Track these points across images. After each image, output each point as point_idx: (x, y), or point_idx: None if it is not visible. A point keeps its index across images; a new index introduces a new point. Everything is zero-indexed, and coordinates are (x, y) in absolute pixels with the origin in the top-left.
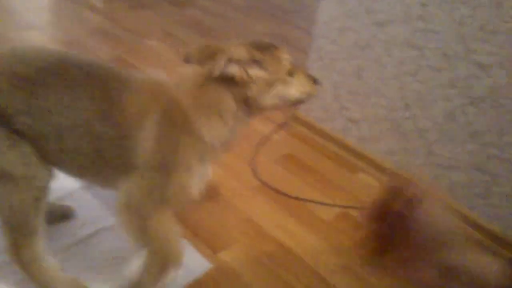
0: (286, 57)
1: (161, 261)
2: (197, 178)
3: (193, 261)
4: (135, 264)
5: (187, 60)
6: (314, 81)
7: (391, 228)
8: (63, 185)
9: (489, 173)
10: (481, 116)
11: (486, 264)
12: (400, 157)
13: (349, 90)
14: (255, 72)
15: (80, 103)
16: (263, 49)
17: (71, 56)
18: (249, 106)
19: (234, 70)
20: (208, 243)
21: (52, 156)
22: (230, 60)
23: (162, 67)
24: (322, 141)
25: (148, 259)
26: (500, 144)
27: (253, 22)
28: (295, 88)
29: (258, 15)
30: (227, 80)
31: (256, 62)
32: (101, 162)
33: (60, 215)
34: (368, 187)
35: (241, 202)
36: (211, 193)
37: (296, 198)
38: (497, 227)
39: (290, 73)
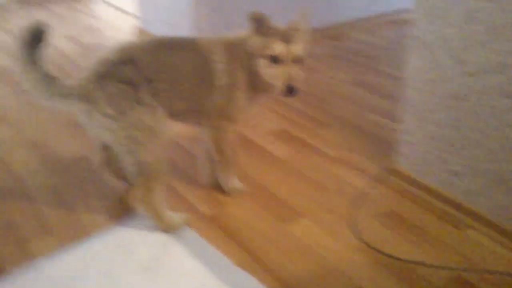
0: (275, 47)
1: (226, 160)
2: (252, 102)
3: None
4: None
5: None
6: (290, 88)
7: None
8: None
9: None
10: None
11: None
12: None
13: (447, 141)
14: (256, 39)
15: (184, 59)
16: (272, 32)
17: (168, 37)
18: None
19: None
20: None
21: (175, 106)
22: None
23: None
24: (424, 195)
25: (223, 163)
26: None
27: (335, 71)
28: (266, 71)
29: (340, 63)
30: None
31: (263, 35)
32: (201, 92)
33: None
34: (480, 246)
35: (342, 264)
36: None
37: (405, 261)
38: None
39: (274, 60)
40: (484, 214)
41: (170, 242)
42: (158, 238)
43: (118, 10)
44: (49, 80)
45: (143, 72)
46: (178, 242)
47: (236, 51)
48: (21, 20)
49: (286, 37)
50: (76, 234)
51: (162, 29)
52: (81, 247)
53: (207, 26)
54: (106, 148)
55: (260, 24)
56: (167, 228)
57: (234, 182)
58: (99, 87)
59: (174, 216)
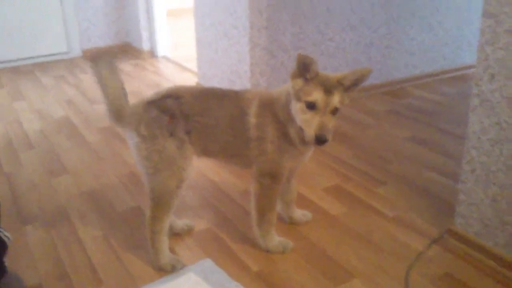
0: (315, 94)
1: (266, 220)
2: (285, 153)
3: None
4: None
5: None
6: (320, 136)
7: None
8: None
9: None
10: None
11: None
12: None
13: (510, 203)
14: (297, 83)
15: (222, 108)
16: (317, 79)
17: (216, 87)
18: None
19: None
20: None
21: (208, 147)
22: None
23: None
24: (484, 259)
25: (258, 219)
26: None
27: (394, 127)
28: (301, 116)
29: (398, 119)
30: None
31: (305, 79)
32: (235, 141)
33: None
34: None
35: None
36: None
37: None
38: None
39: (310, 106)
40: None
41: None
42: None
43: (179, 66)
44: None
45: (182, 108)
46: None
47: (270, 105)
48: (88, 76)
49: (328, 87)
50: (125, 285)
51: (221, 85)
52: None
53: (264, 83)
54: None
55: (306, 67)
56: (158, 266)
57: (272, 242)
58: (144, 110)
59: (170, 258)
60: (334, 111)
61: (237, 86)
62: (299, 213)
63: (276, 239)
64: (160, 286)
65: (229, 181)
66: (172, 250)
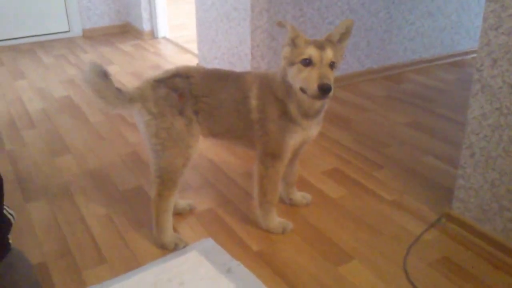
0: (308, 51)
1: (268, 200)
2: (287, 131)
3: None
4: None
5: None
6: (323, 86)
7: None
8: None
9: None
10: None
11: None
12: None
13: (509, 189)
14: (286, 50)
15: (227, 91)
16: (306, 41)
17: (223, 69)
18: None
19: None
20: None
21: (213, 127)
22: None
23: None
24: (481, 243)
25: (259, 199)
26: None
27: (392, 112)
28: (298, 77)
29: (397, 105)
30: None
31: (291, 45)
32: (239, 123)
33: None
34: None
35: None
36: None
37: None
38: None
39: (306, 63)
40: None
41: (220, 276)
42: (208, 272)
43: (179, 47)
44: (118, 92)
45: (191, 88)
46: (228, 277)
47: (268, 85)
48: (89, 56)
49: (319, 44)
50: (128, 264)
51: (221, 67)
52: (132, 277)
53: (265, 66)
54: None
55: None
56: (161, 244)
57: (273, 222)
58: (152, 88)
59: (173, 236)
60: (331, 65)
61: (237, 69)
62: (299, 195)
63: (276, 220)
64: (162, 264)
65: (230, 163)
66: (174, 229)
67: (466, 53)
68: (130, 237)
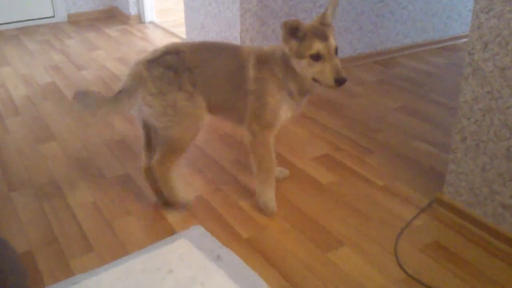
0: (316, 46)
1: (264, 169)
2: (283, 105)
3: None
4: None
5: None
6: (340, 79)
7: None
8: None
9: None
10: None
11: None
12: None
13: (499, 173)
14: (294, 43)
15: (223, 60)
16: (309, 33)
17: (215, 41)
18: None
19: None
20: None
21: (211, 97)
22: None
23: None
24: (472, 228)
25: (257, 170)
26: None
27: (384, 97)
28: (311, 70)
29: (388, 89)
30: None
31: (298, 39)
32: (233, 92)
33: None
34: None
35: None
36: None
37: None
38: None
39: (316, 58)
40: None
41: (209, 263)
42: (197, 259)
43: (166, 32)
44: (116, 97)
45: (184, 62)
46: (217, 264)
47: (266, 60)
48: (74, 41)
49: (322, 35)
50: (115, 251)
51: None
52: (120, 265)
53: None
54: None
55: (295, 30)
56: (174, 201)
57: (269, 199)
58: (147, 70)
59: (184, 193)
60: (336, 51)
61: None
62: (277, 170)
63: (273, 198)
64: (150, 252)
65: (220, 150)
66: (163, 217)
67: (458, 37)
68: (118, 225)
